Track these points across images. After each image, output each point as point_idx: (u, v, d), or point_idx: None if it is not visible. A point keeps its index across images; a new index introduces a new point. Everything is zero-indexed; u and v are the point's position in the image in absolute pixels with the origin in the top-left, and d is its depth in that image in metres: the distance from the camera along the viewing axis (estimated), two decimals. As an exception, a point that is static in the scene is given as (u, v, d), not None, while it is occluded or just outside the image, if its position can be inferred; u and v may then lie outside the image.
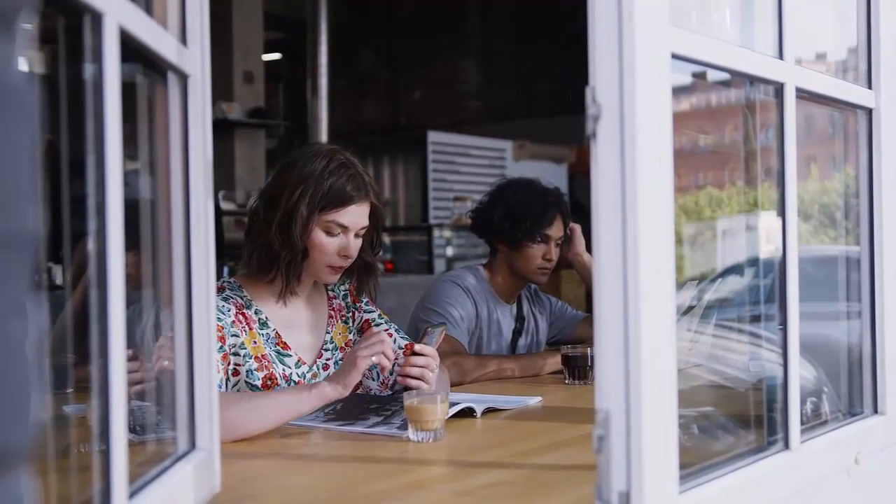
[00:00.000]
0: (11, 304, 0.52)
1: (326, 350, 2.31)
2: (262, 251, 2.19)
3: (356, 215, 2.18)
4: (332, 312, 2.36)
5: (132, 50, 1.10)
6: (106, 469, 1.00)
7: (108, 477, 1.00)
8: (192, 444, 1.35)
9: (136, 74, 1.25)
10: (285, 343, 2.22)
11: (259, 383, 2.14)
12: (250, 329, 2.17)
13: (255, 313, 2.20)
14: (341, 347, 2.33)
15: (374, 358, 1.96)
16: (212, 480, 1.39)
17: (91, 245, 1.00)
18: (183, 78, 1.33)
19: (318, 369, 2.27)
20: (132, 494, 1.08)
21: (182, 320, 1.35)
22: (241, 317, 2.16)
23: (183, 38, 1.34)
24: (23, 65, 0.54)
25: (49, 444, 1.12)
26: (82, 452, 1.40)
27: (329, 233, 2.17)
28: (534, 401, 2.31)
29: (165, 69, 1.30)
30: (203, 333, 1.37)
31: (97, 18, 0.98)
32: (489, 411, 2.15)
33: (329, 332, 2.33)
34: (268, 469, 1.70)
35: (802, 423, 1.52)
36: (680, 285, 1.25)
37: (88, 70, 1.00)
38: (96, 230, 1.00)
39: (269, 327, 2.20)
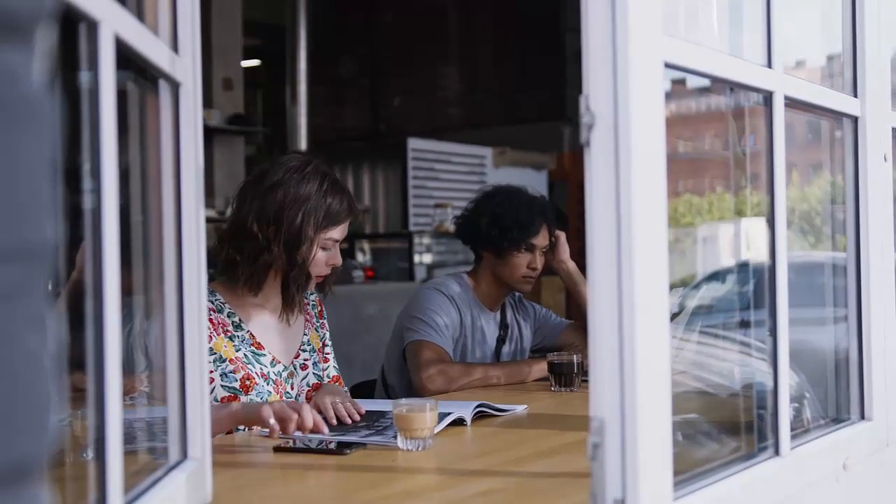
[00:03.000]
0: (31, 317, 0.52)
1: (304, 350, 2.39)
2: (262, 270, 2.24)
3: (345, 229, 2.32)
4: (308, 316, 2.44)
5: (124, 57, 1.10)
6: (101, 479, 0.99)
7: (104, 487, 0.99)
8: (184, 454, 1.34)
9: (126, 82, 1.24)
10: (259, 343, 2.28)
11: (237, 384, 2.20)
12: (218, 334, 2.22)
13: (228, 316, 2.26)
14: (317, 350, 2.43)
15: (272, 421, 1.89)
16: (203, 490, 1.38)
17: (87, 253, 0.99)
18: (175, 86, 1.33)
19: (295, 368, 2.35)
20: (126, 505, 1.07)
21: (173, 329, 1.34)
22: (209, 322, 2.19)
23: (174, 46, 1.33)
24: (40, 75, 0.54)
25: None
26: (69, 462, 1.39)
27: (324, 248, 2.28)
28: (520, 409, 2.32)
29: (157, 77, 1.29)
30: (194, 343, 1.36)
31: (93, 27, 0.98)
32: (479, 417, 2.15)
33: (306, 334, 2.41)
34: (259, 479, 1.70)
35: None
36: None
37: (83, 77, 1.00)
38: (92, 238, 0.99)
39: (243, 329, 2.27)
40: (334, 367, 2.50)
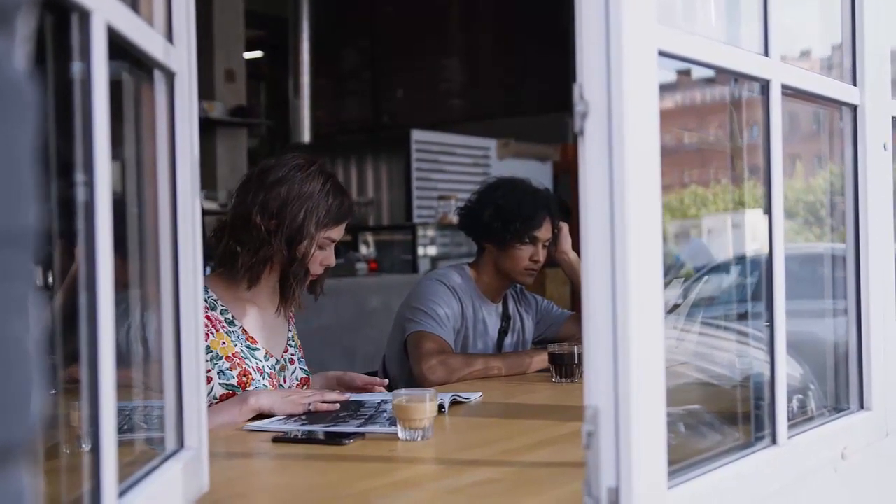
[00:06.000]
0: (14, 301, 0.52)
1: (291, 346, 2.44)
2: (262, 263, 2.27)
3: (343, 230, 2.36)
4: (291, 314, 2.48)
5: (117, 48, 1.10)
6: (95, 469, 0.99)
7: (98, 476, 0.99)
8: (181, 444, 1.35)
9: (121, 73, 1.24)
10: (253, 338, 2.31)
11: (235, 381, 2.22)
12: (217, 330, 2.24)
13: (221, 313, 2.28)
14: (299, 346, 2.48)
15: (311, 406, 2.11)
16: (200, 479, 1.39)
17: (79, 246, 0.99)
18: (170, 76, 1.33)
19: (285, 362, 2.39)
20: (121, 493, 1.08)
21: (169, 320, 1.35)
22: (205, 320, 2.20)
23: (169, 36, 1.33)
24: (22, 62, 0.54)
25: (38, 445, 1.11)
26: (65, 453, 1.39)
27: (321, 247, 2.31)
28: (474, 396, 2.34)
29: (152, 67, 1.29)
30: (191, 333, 1.36)
31: (85, 16, 0.98)
32: (454, 404, 2.19)
33: (291, 331, 2.46)
34: (256, 468, 1.70)
35: (789, 419, 1.53)
36: (665, 283, 1.25)
37: (76, 68, 1.00)
38: (85, 231, 0.99)
39: (236, 325, 2.29)
40: (302, 368, 2.52)
